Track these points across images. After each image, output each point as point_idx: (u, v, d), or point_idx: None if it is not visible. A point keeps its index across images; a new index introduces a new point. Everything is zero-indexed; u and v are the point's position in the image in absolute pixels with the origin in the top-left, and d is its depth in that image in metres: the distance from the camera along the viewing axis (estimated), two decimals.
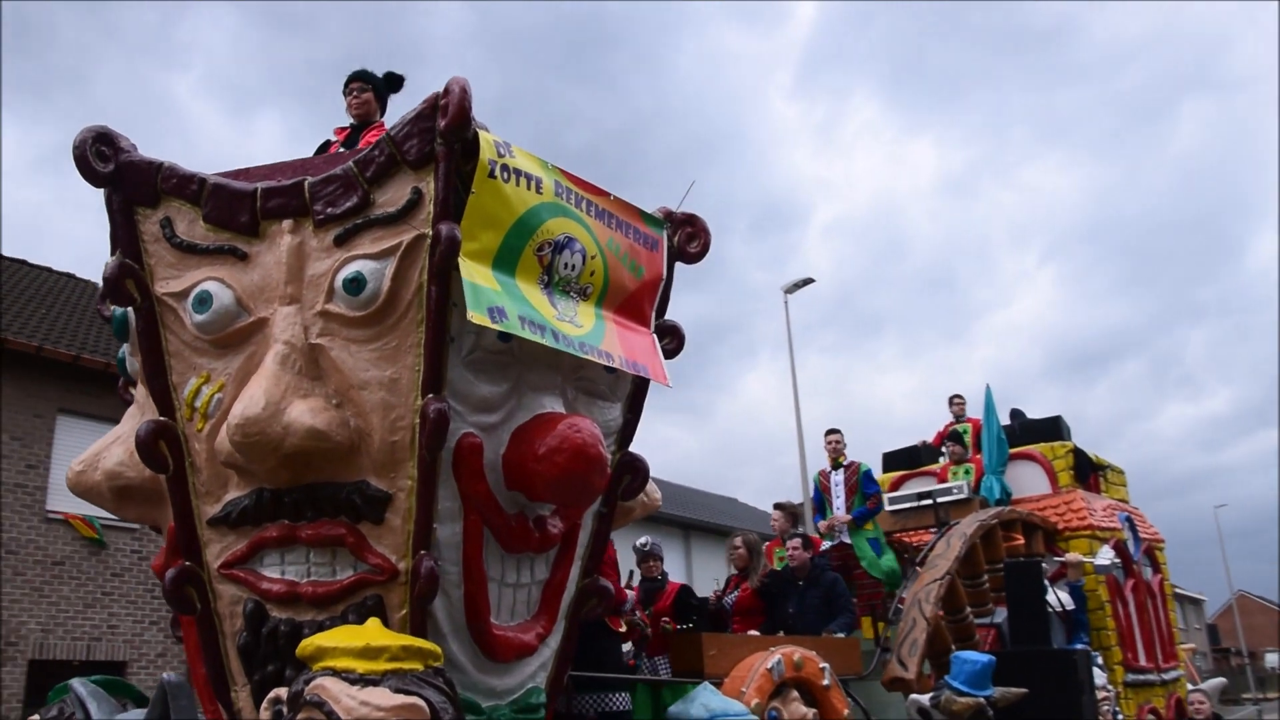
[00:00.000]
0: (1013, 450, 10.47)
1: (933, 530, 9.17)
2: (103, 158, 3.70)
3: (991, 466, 9.94)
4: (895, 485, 10.84)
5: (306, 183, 3.58)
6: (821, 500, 9.22)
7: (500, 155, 3.52)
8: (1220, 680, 12.31)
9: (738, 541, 7.09)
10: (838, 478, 9.03)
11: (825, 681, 5.38)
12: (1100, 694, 7.67)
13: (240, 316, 3.56)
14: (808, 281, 21.43)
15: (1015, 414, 11.16)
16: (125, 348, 4.27)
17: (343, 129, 5.20)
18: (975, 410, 11.00)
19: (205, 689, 3.65)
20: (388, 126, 3.87)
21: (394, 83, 5.32)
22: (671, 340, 4.36)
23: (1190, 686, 11.27)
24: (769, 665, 5.01)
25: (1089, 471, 10.74)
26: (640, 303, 4.19)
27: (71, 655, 13.35)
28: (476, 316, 3.29)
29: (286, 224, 3.58)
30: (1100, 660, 8.48)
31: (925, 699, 6.06)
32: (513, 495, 3.63)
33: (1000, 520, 8.71)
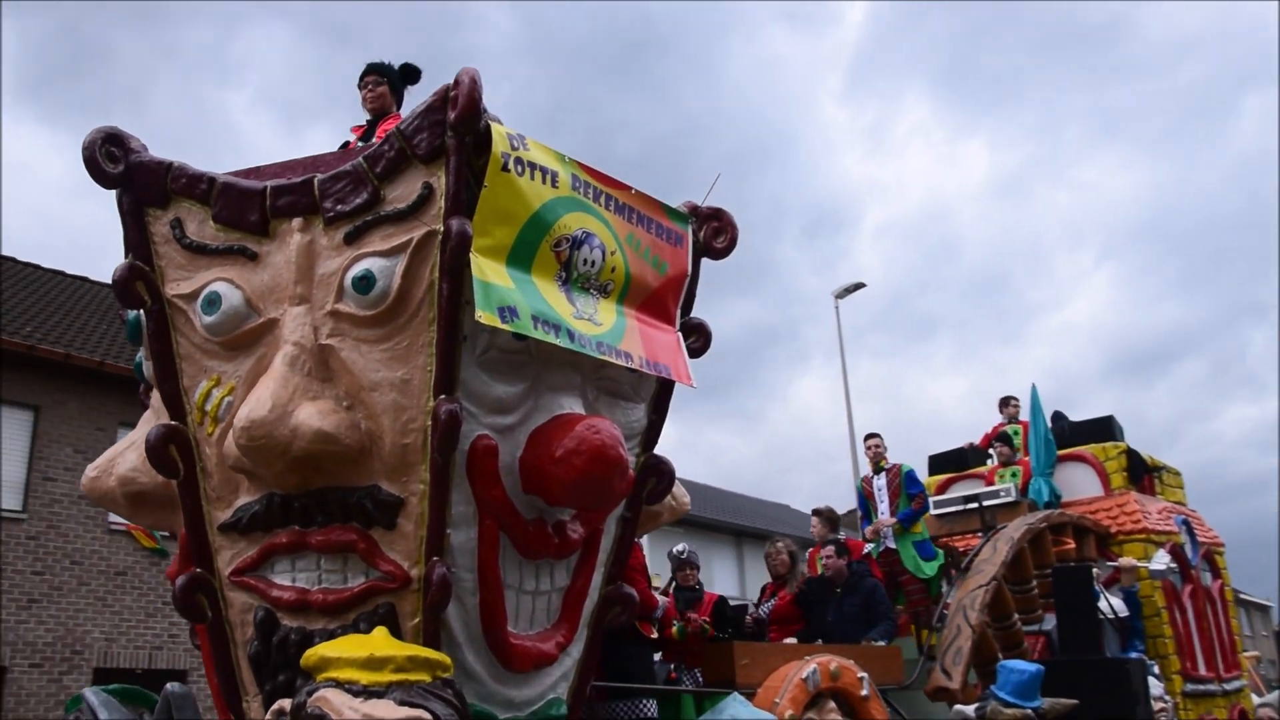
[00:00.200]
0: (1063, 451, 10.22)
1: (979, 535, 8.96)
2: (112, 158, 3.67)
3: (1039, 468, 9.70)
4: (941, 488, 10.64)
5: (316, 180, 3.52)
6: (867, 507, 9.05)
7: (514, 148, 3.43)
8: None
9: (779, 546, 6.95)
10: (880, 482, 8.86)
11: (864, 691, 5.23)
12: (1157, 705, 7.44)
13: (250, 318, 3.50)
14: (858, 286, 21.31)
15: (1057, 416, 10.89)
16: (142, 352, 4.24)
17: (359, 127, 5.15)
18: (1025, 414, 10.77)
19: (218, 699, 3.60)
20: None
21: (410, 75, 5.25)
22: (697, 339, 4.25)
23: (1256, 699, 10.93)
24: (804, 675, 4.88)
25: (1143, 473, 10.45)
26: (664, 300, 4.08)
27: (134, 664, 13.60)
28: (486, 316, 3.20)
29: (296, 222, 3.52)
30: (1157, 669, 8.22)
31: (970, 710, 5.88)
32: (531, 499, 3.54)
33: (1049, 524, 8.49)
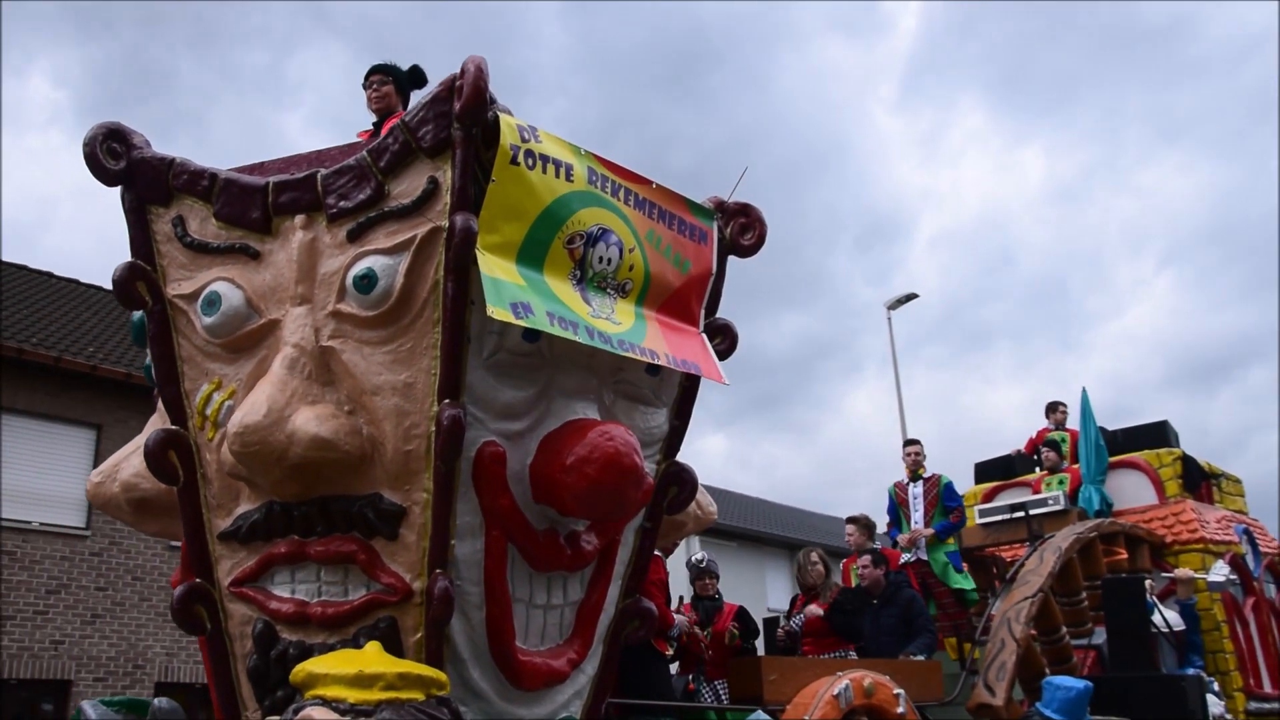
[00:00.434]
0: (1115, 458, 9.91)
1: (1026, 544, 8.69)
2: (114, 155, 3.60)
3: (1090, 475, 9.40)
4: (988, 497, 10.37)
5: (319, 175, 3.42)
6: (898, 513, 8.84)
7: (524, 140, 3.30)
8: None
9: (815, 556, 6.75)
10: (916, 490, 8.66)
11: (900, 709, 5.03)
12: None
13: (251, 318, 3.41)
14: (911, 297, 21.17)
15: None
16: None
17: (365, 132, 5.05)
18: (1075, 421, 10.46)
19: (219, 714, 3.50)
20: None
21: (417, 77, 5.15)
22: (723, 340, 4.09)
23: None
24: (835, 691, 4.69)
25: (1200, 480, 10.09)
26: (687, 300, 3.93)
27: (195, 678, 13.79)
28: (498, 312, 3.06)
29: (299, 219, 3.42)
30: (1216, 686, 7.89)
31: None
32: (542, 509, 3.40)
33: (1100, 533, 8.19)
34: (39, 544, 12.85)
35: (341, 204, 3.36)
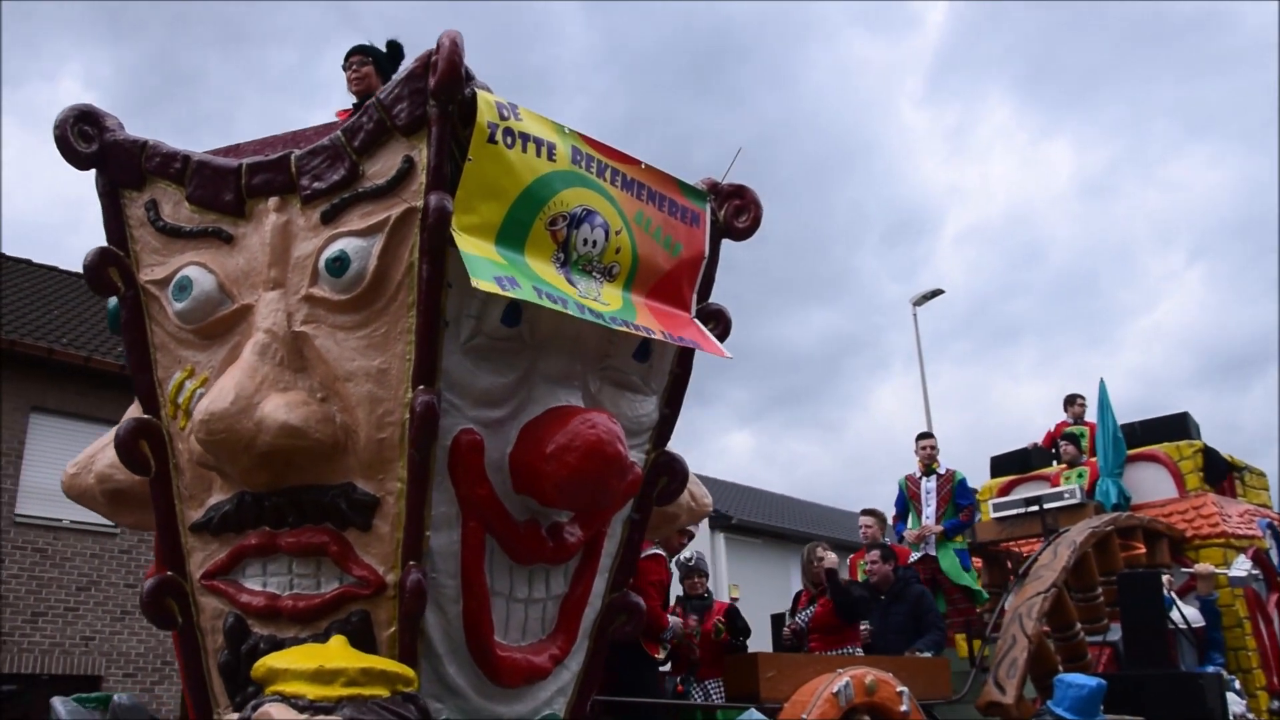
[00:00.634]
0: (1133, 451, 9.76)
1: (1041, 539, 8.56)
2: (85, 138, 3.54)
3: (1107, 469, 9.25)
4: (1004, 491, 10.24)
5: (293, 156, 3.34)
6: (906, 507, 8.74)
7: (503, 118, 3.20)
8: None
9: (821, 551, 6.64)
10: (929, 485, 8.57)
11: (903, 707, 4.93)
12: None
13: (224, 304, 3.33)
14: (936, 293, 21.14)
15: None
16: None
17: (344, 111, 4.97)
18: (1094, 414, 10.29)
19: (191, 711, 3.43)
20: None
21: (396, 54, 5.06)
22: (717, 326, 3.99)
23: None
24: (835, 689, 4.59)
25: (1222, 473, 9.92)
26: (678, 284, 3.82)
27: None
28: (482, 284, 2.95)
29: (272, 202, 3.35)
30: (1238, 684, 7.76)
31: None
32: (523, 500, 3.31)
33: (1117, 527, 8.06)
34: (70, 541, 12.97)
35: (315, 185, 3.28)
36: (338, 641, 2.77)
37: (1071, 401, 10.80)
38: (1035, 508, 8.70)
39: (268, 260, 3.28)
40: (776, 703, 4.61)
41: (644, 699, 4.47)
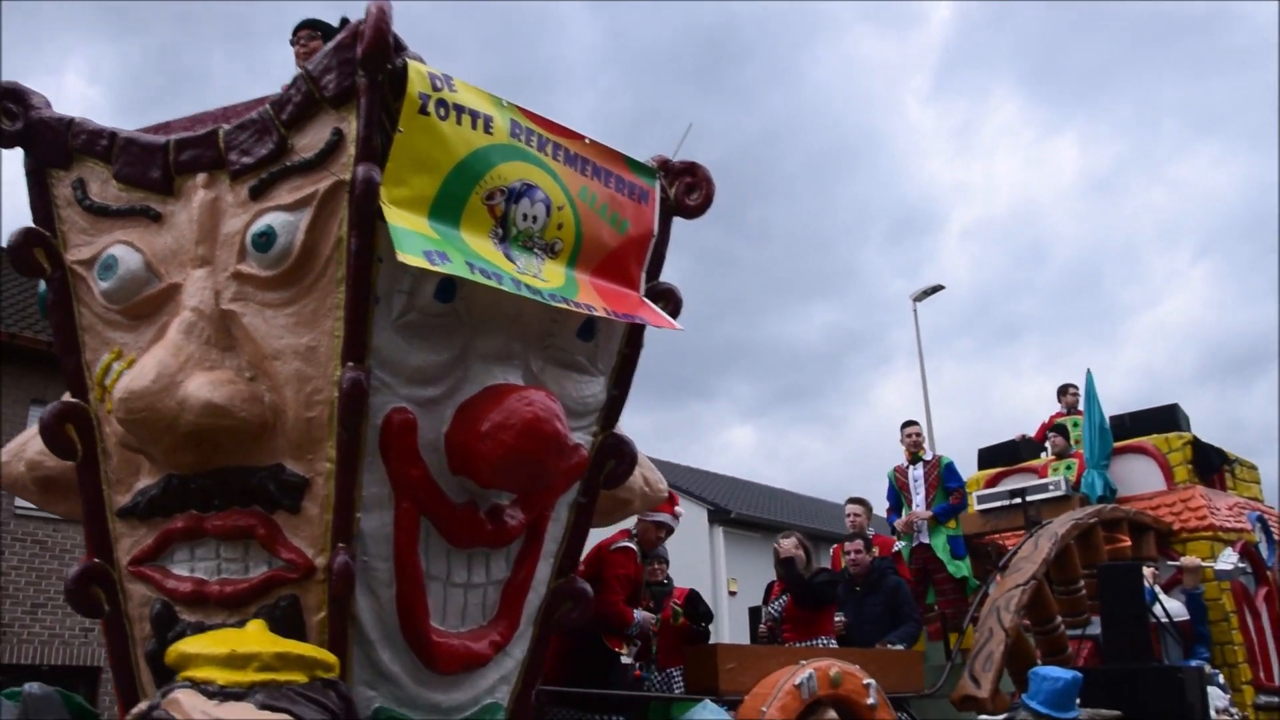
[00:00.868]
0: (1122, 443, 9.73)
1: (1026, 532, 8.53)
2: (10, 115, 3.50)
3: (1093, 460, 9.22)
4: (991, 482, 10.22)
5: (221, 131, 3.30)
6: (898, 498, 8.70)
7: (436, 89, 3.16)
8: None
9: (795, 541, 6.59)
10: (916, 473, 8.52)
11: (870, 700, 4.88)
12: (1220, 718, 6.97)
13: (151, 283, 3.29)
14: (937, 289, 21.37)
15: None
16: None
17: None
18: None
19: (120, 702, 3.38)
20: None
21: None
22: (667, 305, 3.94)
23: None
24: (797, 681, 4.54)
25: (1214, 465, 9.89)
26: (624, 262, 3.78)
27: None
28: (410, 258, 2.90)
29: (201, 178, 3.31)
30: (1221, 679, 7.72)
31: None
32: (461, 481, 3.27)
33: (1101, 519, 8.03)
34: (69, 534, 12.99)
35: (243, 160, 3.24)
36: (256, 626, 2.72)
37: (1064, 391, 10.79)
38: (1019, 500, 8.66)
39: (195, 237, 3.24)
40: (737, 695, 4.57)
41: (593, 690, 4.41)
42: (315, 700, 2.45)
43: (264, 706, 2.35)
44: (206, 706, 2.32)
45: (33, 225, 3.46)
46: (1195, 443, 9.73)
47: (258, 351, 3.14)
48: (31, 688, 2.76)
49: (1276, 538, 9.75)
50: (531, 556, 3.53)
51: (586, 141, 3.64)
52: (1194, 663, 7.60)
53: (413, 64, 3.12)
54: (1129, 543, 8.38)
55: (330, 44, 3.19)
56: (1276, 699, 8.84)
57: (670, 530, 5.75)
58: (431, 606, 3.23)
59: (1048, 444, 10.39)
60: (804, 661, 4.76)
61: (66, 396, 3.54)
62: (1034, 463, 10.26)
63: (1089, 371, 9.56)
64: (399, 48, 3.12)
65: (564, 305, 3.33)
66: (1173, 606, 8.07)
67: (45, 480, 3.69)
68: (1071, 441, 10.02)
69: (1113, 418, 9.74)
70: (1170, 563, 8.70)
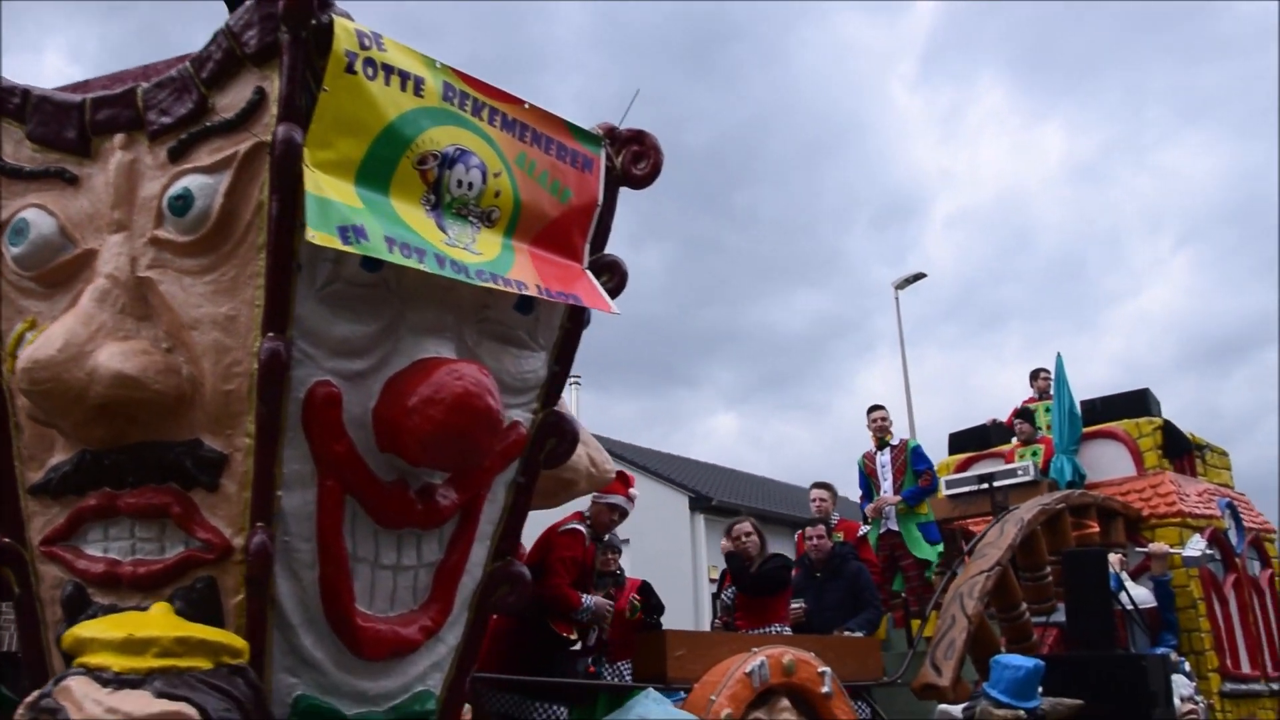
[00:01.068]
0: (1092, 428, 9.72)
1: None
2: None
3: (1062, 445, 9.22)
4: (961, 468, 10.21)
5: (140, 89, 3.17)
6: (868, 485, 8.66)
7: (364, 48, 3.04)
8: None
9: (748, 527, 6.52)
10: (884, 458, 8.49)
11: (825, 688, 4.82)
12: (1185, 706, 6.96)
13: (65, 249, 3.16)
14: (919, 277, 21.63)
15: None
16: None
17: None
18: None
19: (30, 688, 3.26)
20: None
21: None
22: (611, 278, 3.83)
23: None
24: (749, 669, 4.47)
25: (1182, 449, 9.89)
26: (567, 232, 3.67)
27: None
28: (320, 236, 2.80)
29: (119, 139, 3.18)
30: (1187, 666, 7.72)
31: (957, 710, 5.46)
32: (390, 459, 3.16)
33: (1070, 505, 8.01)
34: None
35: (162, 120, 3.11)
36: (160, 609, 2.62)
37: (1036, 376, 10.79)
38: (987, 485, 8.63)
39: (112, 201, 3.12)
40: (686, 683, 4.49)
41: (530, 678, 4.31)
42: (219, 688, 2.35)
43: (161, 695, 2.24)
44: (100, 695, 2.21)
45: None
46: (1166, 425, 9.73)
47: (175, 321, 3.02)
48: None
49: (1246, 524, 9.77)
50: (466, 538, 3.42)
51: (526, 106, 3.53)
52: (1160, 650, 7.61)
53: (339, 20, 3.00)
54: (1097, 528, 8.38)
55: None
56: (1243, 686, 8.88)
57: (625, 513, 5.66)
58: (358, 590, 3.12)
59: (1015, 429, 10.38)
60: (756, 649, 4.68)
61: None
62: (1003, 448, 10.26)
63: (1059, 355, 9.54)
64: (324, 3, 3.00)
65: (490, 284, 3.22)
66: (1140, 593, 8.07)
67: None
68: (1043, 427, 10.01)
69: (1083, 402, 9.74)
70: (1139, 549, 8.70)
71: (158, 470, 3.01)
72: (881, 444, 8.68)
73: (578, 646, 5.18)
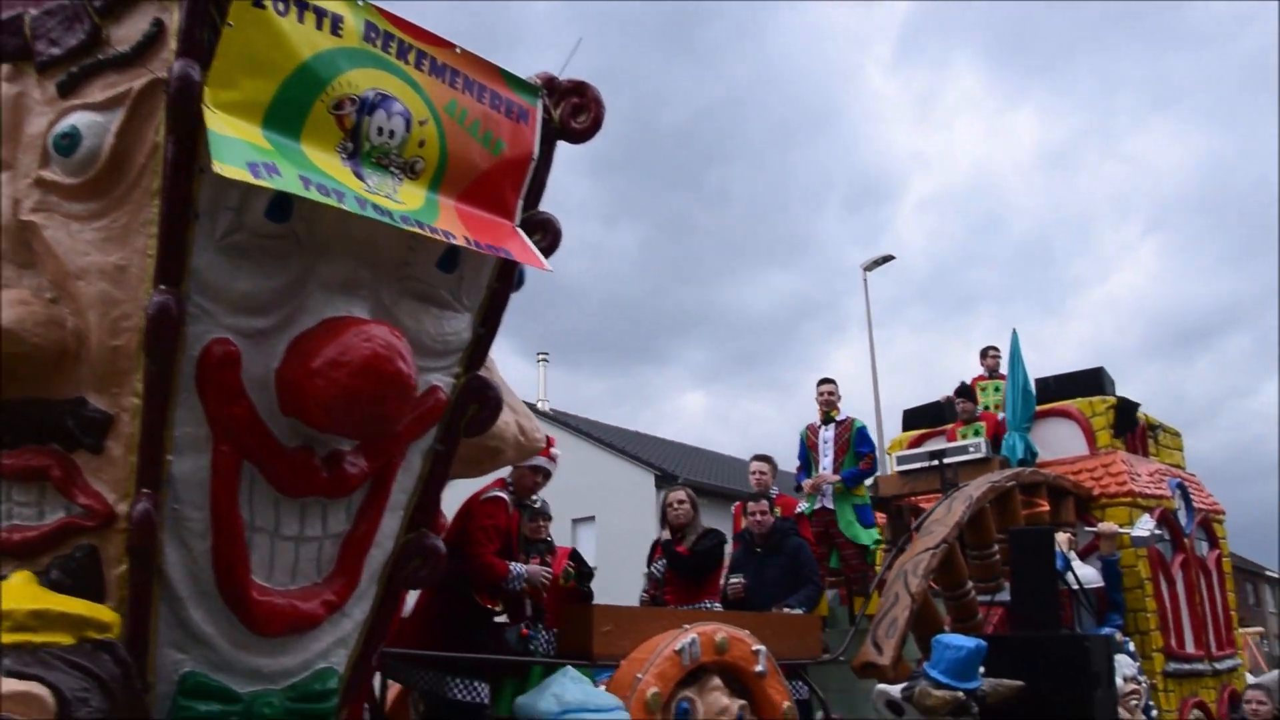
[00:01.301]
0: (1046, 406, 9.68)
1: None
2: None
3: (1015, 422, 9.15)
4: (914, 444, 10.14)
5: (27, 16, 2.94)
6: (808, 458, 8.56)
7: None
8: None
9: (682, 495, 6.37)
10: (827, 434, 8.40)
11: (759, 667, 4.71)
12: (1128, 686, 6.95)
13: None
14: (887, 259, 21.90)
15: None
16: None
17: None
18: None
19: None
20: None
21: None
22: (544, 237, 3.64)
23: (1250, 679, 10.44)
24: (678, 646, 4.35)
25: (1131, 424, 9.87)
26: (499, 187, 3.48)
27: None
28: (229, 169, 2.58)
29: (5, 70, 2.98)
30: (1131, 646, 7.73)
31: (895, 691, 5.39)
32: (294, 424, 2.98)
33: (1020, 483, 7.95)
34: None
35: (51, 51, 2.90)
36: (20, 577, 2.44)
37: (985, 354, 10.71)
38: (938, 462, 8.57)
39: None
40: (613, 659, 4.36)
41: (434, 653, 4.17)
42: (79, 665, 2.18)
43: (10, 673, 2.07)
44: None
45: None
46: (1119, 406, 9.71)
47: (60, 269, 2.82)
48: None
49: (1196, 505, 9.79)
50: (376, 508, 3.26)
51: (458, 51, 3.33)
52: (1105, 630, 7.60)
53: None
54: (1047, 507, 8.34)
55: None
56: (1186, 666, 8.93)
57: (548, 474, 5.50)
58: (255, 561, 2.95)
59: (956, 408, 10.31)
60: (687, 626, 4.56)
61: None
62: (949, 426, 10.20)
63: (1014, 331, 9.46)
64: None
65: (416, 230, 3.02)
66: (1087, 573, 8.05)
67: None
68: (988, 405, 9.97)
69: (1037, 380, 9.68)
70: (1088, 528, 8.68)
71: (37, 430, 2.82)
72: (827, 419, 8.58)
73: (503, 618, 5.05)
